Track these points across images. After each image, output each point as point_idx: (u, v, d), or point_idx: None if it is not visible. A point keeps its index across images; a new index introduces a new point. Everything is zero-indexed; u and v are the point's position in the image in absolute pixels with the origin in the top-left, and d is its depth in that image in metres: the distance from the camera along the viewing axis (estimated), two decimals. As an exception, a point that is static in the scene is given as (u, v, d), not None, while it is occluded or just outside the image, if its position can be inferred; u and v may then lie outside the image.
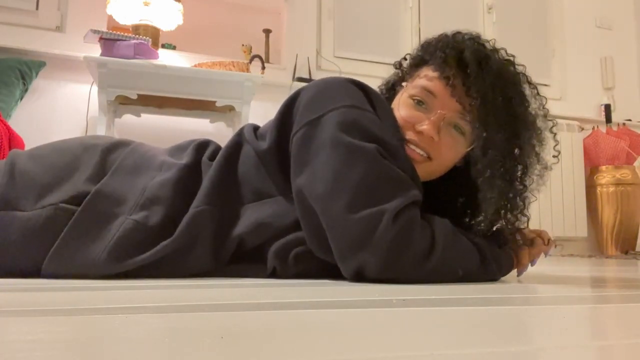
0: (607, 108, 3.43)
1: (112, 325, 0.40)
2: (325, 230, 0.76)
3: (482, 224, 0.84)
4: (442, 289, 0.69)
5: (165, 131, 2.52)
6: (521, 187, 0.86)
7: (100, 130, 2.07)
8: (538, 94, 0.89)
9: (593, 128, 3.36)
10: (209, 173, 0.87)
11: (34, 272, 0.78)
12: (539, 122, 0.88)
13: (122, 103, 2.34)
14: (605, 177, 3.22)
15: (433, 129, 0.85)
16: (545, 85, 3.38)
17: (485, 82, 0.83)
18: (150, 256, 0.78)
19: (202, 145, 0.95)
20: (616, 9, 3.73)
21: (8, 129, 1.79)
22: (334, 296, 0.61)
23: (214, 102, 2.24)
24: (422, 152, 0.86)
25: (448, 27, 0.93)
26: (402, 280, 0.74)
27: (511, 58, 0.89)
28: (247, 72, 2.29)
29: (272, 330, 0.38)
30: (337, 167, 0.76)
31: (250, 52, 2.74)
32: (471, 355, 0.31)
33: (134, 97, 2.12)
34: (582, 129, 3.32)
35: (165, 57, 2.41)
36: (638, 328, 0.44)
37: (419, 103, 0.88)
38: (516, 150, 0.85)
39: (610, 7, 3.71)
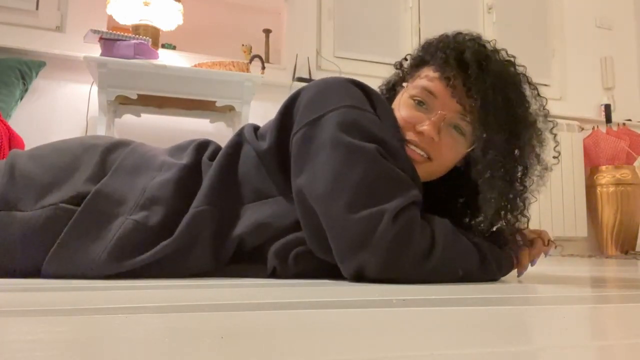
0: (607, 108, 3.43)
1: (112, 325, 0.40)
2: (325, 231, 0.76)
3: (482, 225, 0.84)
4: (442, 289, 0.69)
5: (165, 131, 2.52)
6: (521, 187, 0.86)
7: (100, 130, 2.07)
8: (538, 94, 0.89)
9: (593, 128, 3.36)
10: (209, 173, 0.87)
11: (34, 272, 0.78)
12: (540, 123, 0.88)
13: (122, 103, 2.34)
14: (605, 177, 3.22)
15: (433, 130, 0.85)
16: (545, 85, 3.38)
17: (485, 83, 0.83)
18: (150, 256, 0.78)
19: (202, 146, 0.95)
20: (616, 9, 3.73)
21: (8, 129, 1.79)
22: (334, 296, 0.61)
23: (214, 102, 2.24)
24: (422, 153, 0.86)
25: (448, 27, 0.93)
26: (402, 280, 0.74)
27: (512, 59, 0.89)
28: (247, 72, 2.29)
29: (272, 330, 0.38)
30: (337, 167, 0.76)
31: (250, 52, 2.74)
32: (471, 355, 0.31)
33: (134, 97, 2.12)
34: (582, 129, 3.32)
35: (165, 57, 2.41)
36: (638, 328, 0.44)
37: (420, 103, 0.87)
38: (516, 151, 0.85)
39: (610, 7, 3.71)
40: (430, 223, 0.77)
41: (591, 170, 3.30)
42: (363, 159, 0.76)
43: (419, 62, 0.93)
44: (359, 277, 0.75)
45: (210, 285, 0.72)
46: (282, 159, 0.85)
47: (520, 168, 0.86)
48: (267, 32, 2.88)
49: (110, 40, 2.10)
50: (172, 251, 0.80)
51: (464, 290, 0.69)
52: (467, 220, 0.93)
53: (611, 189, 3.19)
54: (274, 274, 0.83)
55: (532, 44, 3.48)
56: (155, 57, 2.19)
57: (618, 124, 3.41)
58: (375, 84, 0.97)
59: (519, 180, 0.86)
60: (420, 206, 0.78)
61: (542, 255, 0.93)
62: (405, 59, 0.99)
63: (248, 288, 0.68)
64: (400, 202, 0.74)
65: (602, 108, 3.47)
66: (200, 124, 2.53)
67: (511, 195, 0.84)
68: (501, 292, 0.68)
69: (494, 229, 0.86)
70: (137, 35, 2.20)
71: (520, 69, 0.89)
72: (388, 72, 1.03)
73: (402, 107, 0.89)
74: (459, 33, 0.90)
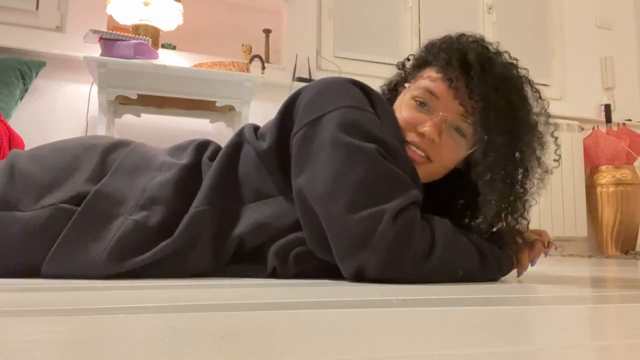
0: (607, 108, 3.43)
1: (112, 325, 0.40)
2: (325, 231, 0.76)
3: (482, 226, 0.84)
4: (442, 289, 0.69)
5: (165, 131, 2.52)
6: (522, 190, 0.86)
7: (100, 130, 2.07)
8: (540, 97, 0.89)
9: (593, 128, 3.36)
10: (209, 173, 0.87)
11: (34, 272, 0.78)
12: (541, 126, 0.88)
13: (122, 103, 2.34)
14: (605, 177, 3.22)
15: (435, 131, 0.85)
16: (545, 85, 3.38)
17: (488, 85, 0.82)
18: (150, 256, 0.78)
19: (202, 146, 0.95)
20: (616, 9, 3.73)
21: (8, 129, 1.79)
22: (334, 296, 0.61)
23: (214, 102, 2.24)
24: (422, 154, 0.86)
25: (448, 27, 0.93)
26: (402, 280, 0.74)
27: (514, 61, 0.89)
28: (247, 72, 2.29)
29: (272, 330, 0.38)
30: (337, 167, 0.76)
31: (250, 52, 2.74)
32: (471, 355, 0.31)
33: (134, 97, 2.12)
34: (582, 129, 3.32)
35: (165, 57, 2.41)
36: (638, 328, 0.44)
37: (421, 104, 0.87)
38: (517, 154, 0.85)
39: (610, 7, 3.71)
40: (430, 223, 0.77)
41: (591, 170, 3.30)
42: (363, 159, 0.76)
43: (422, 62, 0.93)
44: (359, 277, 0.75)
45: (210, 285, 0.72)
46: (282, 159, 0.85)
47: (520, 171, 0.86)
48: (267, 32, 2.88)
49: (110, 40, 2.10)
50: (172, 251, 0.80)
51: (464, 290, 0.69)
52: (466, 221, 0.93)
53: (611, 189, 3.20)
54: (274, 274, 0.83)
55: (532, 44, 3.48)
56: (155, 57, 2.19)
57: (618, 124, 3.41)
58: (375, 84, 0.97)
59: (519, 183, 0.86)
60: (420, 206, 0.78)
61: (542, 255, 0.93)
62: (408, 59, 0.99)
63: (248, 288, 0.68)
64: (401, 202, 0.74)
65: (602, 108, 3.47)
66: (200, 124, 2.53)
67: (511, 198, 0.84)
68: (501, 292, 0.68)
69: (494, 229, 0.86)
70: (137, 35, 2.20)
71: (522, 72, 0.89)
72: (388, 72, 1.03)
73: (403, 108, 0.89)
74: (462, 34, 0.90)
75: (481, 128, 0.83)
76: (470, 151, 0.87)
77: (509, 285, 0.78)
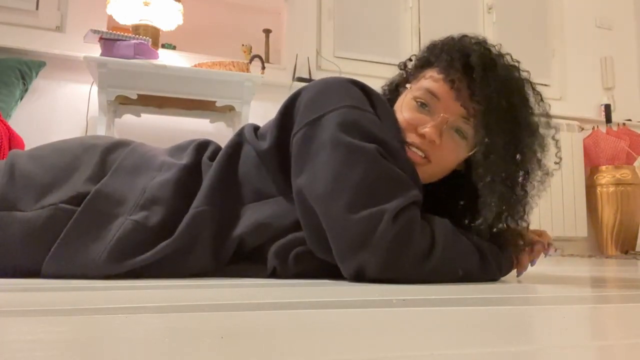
0: (607, 108, 3.43)
1: (112, 325, 0.40)
2: (325, 231, 0.76)
3: (482, 227, 0.84)
4: (442, 289, 0.69)
5: (165, 131, 2.52)
6: (522, 192, 0.85)
7: (100, 130, 2.07)
8: (542, 100, 0.89)
9: (593, 128, 3.36)
10: (209, 173, 0.87)
11: (34, 272, 0.78)
12: (542, 129, 0.88)
13: (122, 103, 2.34)
14: (605, 177, 3.22)
15: (435, 133, 0.84)
16: (545, 85, 3.38)
17: (490, 87, 0.82)
18: (150, 256, 0.78)
19: (202, 146, 0.95)
20: (616, 9, 3.73)
21: (8, 129, 1.79)
22: (334, 296, 0.61)
23: (214, 102, 2.24)
24: (422, 154, 0.86)
25: (448, 27, 0.93)
26: (402, 280, 0.74)
27: (516, 64, 0.89)
28: (247, 72, 2.29)
29: (272, 330, 0.38)
30: (337, 168, 0.76)
31: (250, 52, 2.74)
32: (471, 355, 0.31)
33: (134, 97, 2.12)
34: (582, 129, 3.32)
35: (165, 57, 2.41)
36: (638, 328, 0.44)
37: (422, 105, 0.87)
38: (518, 156, 0.85)
39: (610, 7, 3.71)
40: (430, 223, 0.77)
41: (591, 170, 3.30)
42: (363, 159, 0.76)
43: (423, 63, 0.93)
44: (359, 277, 0.75)
45: (210, 285, 0.72)
46: (282, 159, 0.85)
47: (521, 173, 0.86)
48: (267, 32, 2.88)
49: (110, 40, 2.10)
50: (172, 251, 0.80)
51: (464, 290, 0.69)
52: (466, 222, 0.93)
53: (611, 189, 3.20)
54: (274, 274, 0.83)
55: (532, 44, 3.48)
56: (155, 57, 2.19)
57: (618, 124, 3.41)
58: (375, 84, 0.97)
59: (519, 185, 0.86)
60: (420, 206, 0.78)
61: (542, 255, 0.93)
62: (410, 60, 0.99)
63: (248, 288, 0.68)
64: (401, 202, 0.74)
65: (602, 108, 3.47)
66: (200, 124, 2.53)
67: (512, 200, 0.84)
68: (501, 292, 0.68)
69: (494, 230, 0.86)
70: (137, 35, 2.20)
71: (524, 74, 0.89)
72: (388, 72, 1.03)
73: (404, 108, 0.89)
74: (465, 35, 0.90)
75: (482, 130, 0.83)
76: (471, 153, 0.87)
77: (509, 285, 0.78)
